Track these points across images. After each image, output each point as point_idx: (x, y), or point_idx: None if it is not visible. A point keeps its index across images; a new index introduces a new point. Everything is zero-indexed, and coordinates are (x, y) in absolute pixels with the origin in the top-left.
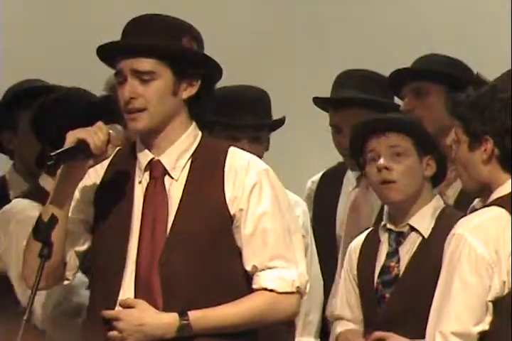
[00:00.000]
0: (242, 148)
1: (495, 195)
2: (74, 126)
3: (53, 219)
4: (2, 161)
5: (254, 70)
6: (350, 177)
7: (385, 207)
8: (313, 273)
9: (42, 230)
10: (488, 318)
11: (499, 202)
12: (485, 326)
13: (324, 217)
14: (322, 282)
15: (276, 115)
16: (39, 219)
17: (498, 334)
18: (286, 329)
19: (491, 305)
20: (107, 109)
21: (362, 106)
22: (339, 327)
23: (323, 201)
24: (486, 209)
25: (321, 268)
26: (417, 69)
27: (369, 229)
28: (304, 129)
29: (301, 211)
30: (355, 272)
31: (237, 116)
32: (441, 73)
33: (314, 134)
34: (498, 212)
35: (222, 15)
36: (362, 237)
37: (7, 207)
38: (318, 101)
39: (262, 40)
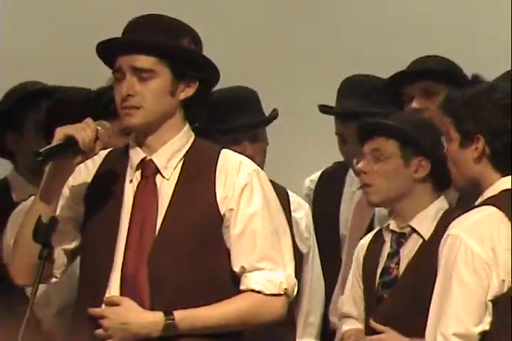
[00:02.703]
0: (243, 151)
1: (486, 195)
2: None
3: (53, 221)
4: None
5: (252, 72)
6: (354, 177)
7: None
8: (315, 274)
9: (42, 231)
10: (488, 318)
11: (491, 201)
12: (485, 326)
13: (327, 217)
14: (323, 283)
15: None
16: (39, 220)
17: (499, 333)
18: (287, 331)
19: (490, 304)
20: (101, 104)
21: (366, 118)
22: (346, 325)
23: (325, 200)
24: (478, 208)
25: (324, 268)
26: (430, 69)
27: (377, 228)
28: (301, 130)
29: (304, 213)
30: (361, 271)
31: (233, 119)
32: (452, 74)
33: (312, 134)
34: (490, 210)
35: (222, 16)
36: (370, 236)
37: (27, 201)
38: (323, 110)
39: (260, 41)
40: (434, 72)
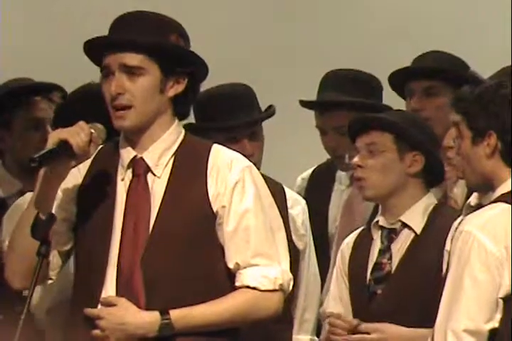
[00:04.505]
0: (242, 148)
1: (499, 191)
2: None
3: (51, 218)
4: None
5: (243, 69)
6: (342, 175)
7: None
8: (311, 271)
9: (40, 228)
10: (498, 316)
11: (505, 198)
12: (495, 323)
13: (316, 215)
14: (319, 280)
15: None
16: (37, 217)
17: (508, 331)
18: (284, 327)
19: (501, 302)
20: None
21: (345, 109)
22: None
23: (315, 198)
24: (492, 205)
25: None
26: (431, 68)
27: (362, 227)
28: (293, 127)
29: (301, 209)
30: (347, 269)
31: (231, 117)
32: (455, 74)
33: (304, 131)
34: (504, 207)
35: (213, 13)
36: (354, 235)
37: (21, 199)
38: (304, 104)
39: (252, 39)
40: (437, 72)
